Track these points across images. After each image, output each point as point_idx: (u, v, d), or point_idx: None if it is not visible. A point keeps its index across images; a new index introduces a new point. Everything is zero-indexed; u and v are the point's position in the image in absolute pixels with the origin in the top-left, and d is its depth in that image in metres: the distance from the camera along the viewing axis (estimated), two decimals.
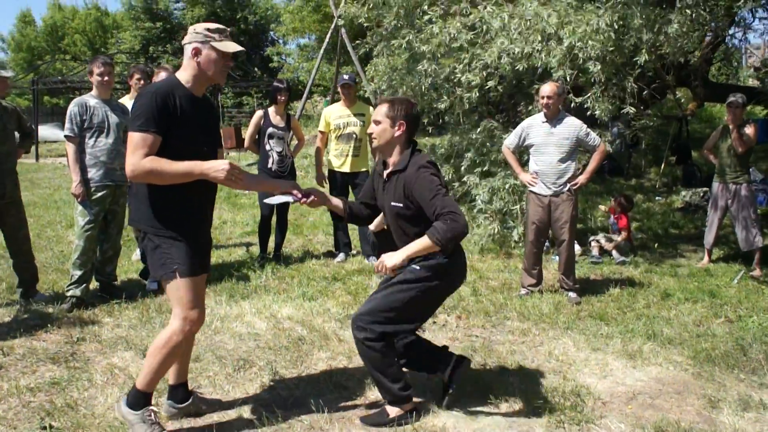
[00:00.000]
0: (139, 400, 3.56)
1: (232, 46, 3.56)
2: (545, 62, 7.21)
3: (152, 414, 3.58)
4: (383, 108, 3.81)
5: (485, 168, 8.74)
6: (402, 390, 3.81)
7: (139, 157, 3.32)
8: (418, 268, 3.72)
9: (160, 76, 6.62)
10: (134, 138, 3.35)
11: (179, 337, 3.52)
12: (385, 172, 3.88)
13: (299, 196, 3.80)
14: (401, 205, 3.72)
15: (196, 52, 3.52)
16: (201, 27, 3.55)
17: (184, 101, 3.49)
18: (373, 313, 3.74)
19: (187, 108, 3.50)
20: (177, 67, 3.86)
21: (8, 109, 5.95)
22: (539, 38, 7.22)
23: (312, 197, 3.86)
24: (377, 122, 3.81)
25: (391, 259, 3.60)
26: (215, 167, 3.39)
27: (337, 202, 4.10)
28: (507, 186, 8.17)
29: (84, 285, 5.90)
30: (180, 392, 3.90)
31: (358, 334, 3.75)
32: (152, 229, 3.51)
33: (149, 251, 3.57)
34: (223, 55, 3.55)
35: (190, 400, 3.92)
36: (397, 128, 3.78)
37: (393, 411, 3.82)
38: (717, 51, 13.39)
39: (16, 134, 6.13)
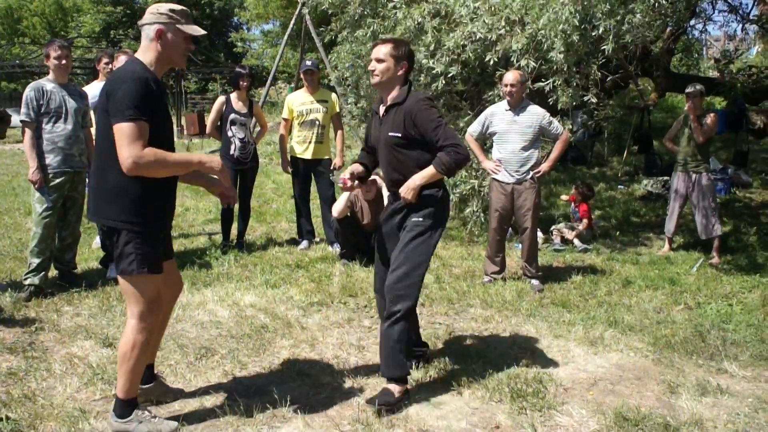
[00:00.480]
0: (126, 408, 3.51)
1: (196, 30, 3.48)
2: (508, 49, 7.20)
3: (143, 411, 3.54)
4: (387, 48, 3.93)
5: None
6: (408, 368, 3.97)
7: (139, 148, 3.18)
8: (421, 219, 3.92)
9: (120, 60, 6.51)
10: (127, 129, 3.18)
11: (142, 336, 3.44)
12: (383, 107, 4.02)
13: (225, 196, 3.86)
14: (399, 134, 3.90)
15: (160, 34, 3.38)
16: (165, 8, 3.40)
17: (155, 85, 3.37)
18: (408, 276, 3.86)
19: (158, 92, 3.39)
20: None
21: None
22: (503, 24, 7.21)
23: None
24: (380, 60, 3.92)
25: (410, 187, 3.86)
26: (212, 160, 3.46)
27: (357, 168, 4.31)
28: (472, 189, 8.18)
29: (42, 273, 5.79)
30: (145, 374, 3.74)
31: (397, 306, 3.84)
32: (124, 224, 3.36)
33: (119, 245, 3.39)
34: (186, 38, 3.46)
35: (154, 383, 3.86)
36: (400, 67, 3.93)
37: (397, 389, 3.88)
38: (678, 42, 13.54)
39: None
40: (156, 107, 3.33)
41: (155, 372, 3.94)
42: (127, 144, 3.17)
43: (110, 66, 6.66)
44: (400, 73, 3.94)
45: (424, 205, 3.94)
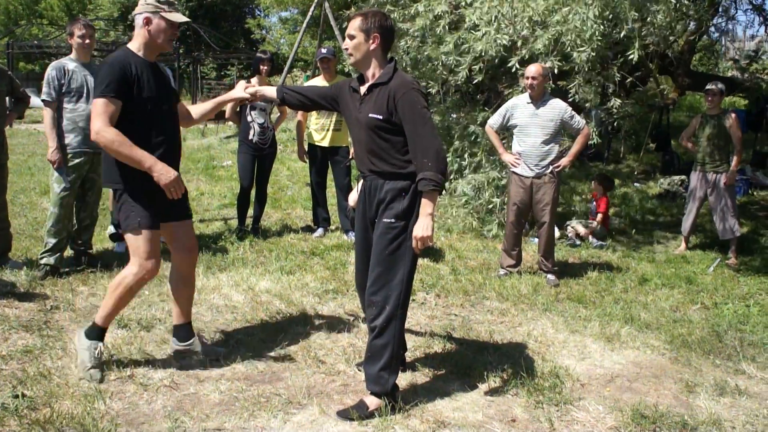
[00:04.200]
0: (93, 332, 3.95)
1: (179, 17, 3.90)
2: (532, 50, 7.15)
3: (99, 348, 3.95)
4: (356, 22, 3.68)
5: (467, 152, 8.70)
6: (388, 385, 3.69)
7: (101, 122, 3.65)
8: (393, 221, 3.62)
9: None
10: (96, 103, 3.68)
11: (131, 280, 3.84)
12: (365, 86, 3.74)
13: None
14: (381, 117, 3.59)
15: (147, 21, 3.83)
16: None
17: (142, 68, 3.82)
18: (386, 286, 3.63)
19: (145, 74, 3.82)
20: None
21: None
22: (526, 24, 7.17)
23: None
24: (351, 36, 3.68)
25: (423, 229, 3.50)
26: (161, 172, 3.73)
27: (269, 90, 4.19)
28: (492, 180, 8.14)
29: (58, 253, 5.79)
30: (182, 331, 4.21)
31: (378, 320, 3.64)
32: (118, 185, 3.83)
33: (119, 204, 3.87)
34: (171, 25, 3.88)
35: (192, 341, 4.21)
36: (371, 41, 3.65)
37: (374, 404, 3.67)
38: (700, 40, 13.43)
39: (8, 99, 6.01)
40: (137, 87, 3.77)
41: (195, 332, 4.30)
42: (94, 116, 3.68)
43: None
44: (373, 47, 3.65)
45: (396, 202, 3.64)
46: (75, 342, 4.03)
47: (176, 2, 3.97)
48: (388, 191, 3.65)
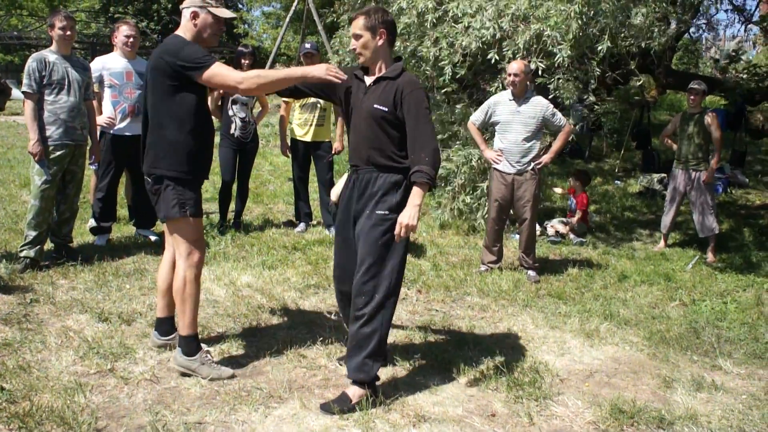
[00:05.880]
0: (191, 345, 3.93)
1: (226, 13, 3.98)
2: (513, 46, 7.18)
3: (208, 354, 3.98)
4: (360, 21, 3.75)
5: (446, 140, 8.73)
6: (373, 374, 3.73)
7: (238, 73, 3.72)
8: (387, 212, 3.68)
9: (122, 29, 6.50)
10: (217, 68, 3.71)
11: (192, 271, 3.89)
12: (372, 77, 3.81)
13: None
14: (386, 109, 3.67)
15: (194, 15, 3.86)
16: None
17: None
18: (378, 275, 3.68)
19: None
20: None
21: None
22: (509, 20, 7.19)
23: None
24: (358, 36, 3.76)
25: (409, 218, 3.57)
26: (315, 68, 3.74)
27: None
28: (472, 161, 8.14)
29: (38, 246, 5.75)
30: (165, 325, 4.24)
31: (366, 308, 3.67)
32: (176, 173, 3.83)
33: (166, 192, 3.85)
34: (217, 20, 3.92)
35: (173, 335, 4.19)
36: (378, 37, 3.74)
37: (357, 394, 3.68)
38: (681, 40, 13.53)
39: None
40: None
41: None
42: (227, 74, 3.72)
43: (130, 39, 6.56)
44: (380, 43, 3.74)
45: (389, 195, 3.71)
46: (179, 368, 3.94)
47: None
48: (383, 184, 3.72)
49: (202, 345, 4.06)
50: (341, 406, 3.62)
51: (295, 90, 4.10)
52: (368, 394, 3.68)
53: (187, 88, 3.79)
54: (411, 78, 3.76)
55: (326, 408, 3.63)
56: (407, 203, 3.61)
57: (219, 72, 3.71)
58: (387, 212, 3.68)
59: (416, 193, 3.60)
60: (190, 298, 3.89)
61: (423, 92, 3.72)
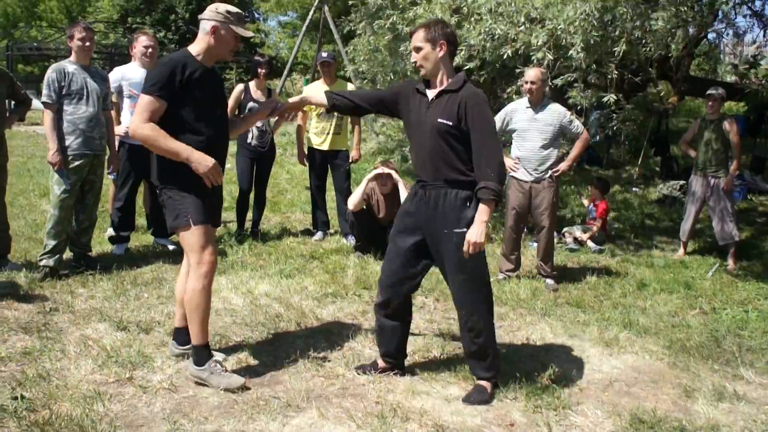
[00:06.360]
0: (200, 354, 3.94)
1: (246, 32, 3.97)
2: (527, 43, 7.14)
3: (218, 364, 3.93)
4: (420, 33, 3.81)
5: None
6: (497, 367, 4.04)
7: (142, 119, 3.70)
8: (466, 229, 3.73)
9: (140, 40, 6.54)
10: (142, 100, 3.73)
11: (200, 282, 3.86)
12: (433, 92, 3.85)
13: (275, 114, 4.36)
14: (451, 123, 3.72)
15: (214, 30, 3.85)
16: (222, 8, 3.87)
17: (197, 71, 3.84)
18: (475, 290, 3.91)
19: (200, 77, 3.84)
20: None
21: None
22: (523, 19, 7.16)
23: (285, 106, 4.28)
24: (418, 48, 3.82)
25: (476, 235, 3.66)
26: (200, 161, 3.75)
27: (319, 98, 4.20)
28: None
29: (58, 255, 5.80)
30: (183, 334, 4.18)
31: (476, 323, 3.92)
32: (166, 183, 3.87)
33: (164, 204, 3.91)
34: (236, 38, 3.92)
35: (190, 345, 4.09)
36: (439, 49, 3.79)
37: (489, 386, 3.95)
38: (699, 45, 13.44)
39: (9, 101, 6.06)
40: (187, 90, 3.79)
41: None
42: (136, 113, 3.75)
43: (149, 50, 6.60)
44: (441, 54, 3.79)
45: (463, 212, 3.78)
46: (192, 377, 3.96)
47: (246, 15, 3.99)
48: (454, 200, 3.80)
49: (215, 353, 4.08)
50: (481, 397, 3.89)
51: (356, 108, 4.18)
52: (495, 384, 4.00)
53: (175, 101, 3.77)
54: (474, 90, 3.78)
55: (468, 400, 3.87)
56: (474, 220, 3.69)
57: (140, 104, 3.73)
58: (465, 229, 3.73)
59: (483, 210, 3.67)
60: (197, 308, 3.88)
61: (487, 104, 3.77)
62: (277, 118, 7.88)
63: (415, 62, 3.87)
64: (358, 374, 4.15)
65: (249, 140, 7.39)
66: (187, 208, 3.82)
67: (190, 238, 3.84)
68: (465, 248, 3.68)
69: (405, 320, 4.17)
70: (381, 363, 4.20)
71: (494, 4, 7.26)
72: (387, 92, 4.17)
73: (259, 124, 7.37)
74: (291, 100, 4.34)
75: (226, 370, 3.94)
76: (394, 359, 4.18)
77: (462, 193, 3.78)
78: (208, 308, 3.95)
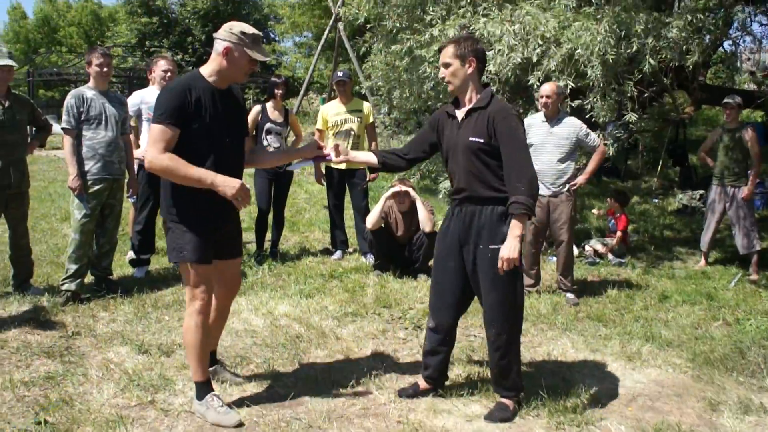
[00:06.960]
0: (199, 389, 3.84)
1: (261, 56, 3.74)
2: (545, 67, 7.15)
3: (213, 399, 3.80)
4: (450, 49, 3.81)
5: None
6: (520, 386, 4.02)
7: (157, 150, 3.54)
8: (500, 246, 3.71)
9: (159, 64, 6.59)
10: (154, 130, 3.56)
11: (192, 319, 3.76)
12: (462, 111, 3.86)
13: (322, 155, 4.15)
14: (482, 140, 3.72)
15: (227, 51, 3.67)
16: (237, 29, 3.69)
17: (205, 94, 3.66)
18: (504, 305, 3.83)
19: (208, 101, 3.67)
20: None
21: (21, 100, 5.96)
22: (539, 42, 7.16)
23: (332, 153, 4.11)
24: (447, 65, 3.82)
25: (510, 251, 3.63)
26: (226, 183, 3.58)
27: (365, 155, 4.29)
28: None
29: (79, 279, 5.84)
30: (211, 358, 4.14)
31: (501, 339, 3.86)
32: (168, 216, 3.76)
33: (167, 235, 3.83)
34: (250, 61, 3.73)
35: (214, 368, 4.17)
36: (468, 65, 3.79)
37: (511, 404, 3.92)
38: (715, 54, 13.38)
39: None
40: (195, 115, 3.62)
41: (217, 358, 4.31)
42: (149, 144, 3.59)
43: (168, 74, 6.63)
44: (470, 71, 3.78)
45: (499, 228, 3.76)
46: (197, 413, 3.84)
47: (262, 37, 3.86)
48: (489, 217, 3.79)
49: (215, 387, 3.96)
50: (504, 414, 3.86)
51: (408, 162, 4.23)
52: (516, 403, 3.96)
53: (184, 126, 3.61)
54: (502, 104, 3.79)
55: (490, 418, 3.85)
56: (507, 236, 3.67)
57: (153, 134, 3.56)
58: (500, 246, 3.71)
59: (515, 225, 3.65)
60: (193, 345, 3.77)
61: (515, 118, 3.76)
62: (294, 138, 8.00)
63: (443, 77, 3.87)
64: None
65: None
66: (185, 245, 3.70)
67: (186, 274, 3.77)
68: (499, 264, 3.67)
69: (451, 343, 4.18)
70: (423, 384, 4.18)
71: (504, 30, 7.25)
72: (426, 130, 4.16)
73: (276, 144, 7.41)
74: (336, 159, 4.16)
75: (223, 405, 3.78)
76: (436, 381, 4.18)
77: (498, 209, 3.77)
78: (205, 345, 3.82)
